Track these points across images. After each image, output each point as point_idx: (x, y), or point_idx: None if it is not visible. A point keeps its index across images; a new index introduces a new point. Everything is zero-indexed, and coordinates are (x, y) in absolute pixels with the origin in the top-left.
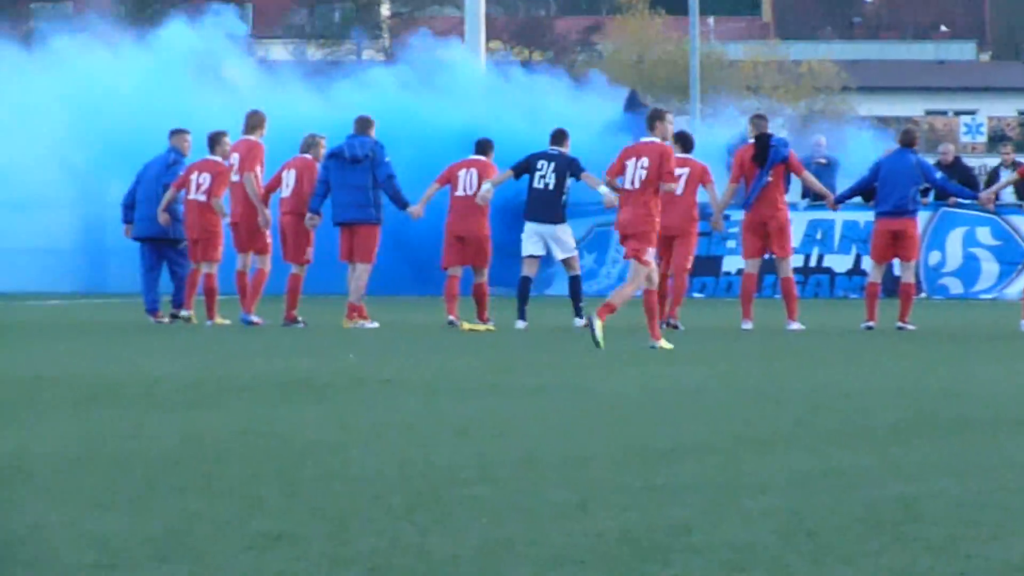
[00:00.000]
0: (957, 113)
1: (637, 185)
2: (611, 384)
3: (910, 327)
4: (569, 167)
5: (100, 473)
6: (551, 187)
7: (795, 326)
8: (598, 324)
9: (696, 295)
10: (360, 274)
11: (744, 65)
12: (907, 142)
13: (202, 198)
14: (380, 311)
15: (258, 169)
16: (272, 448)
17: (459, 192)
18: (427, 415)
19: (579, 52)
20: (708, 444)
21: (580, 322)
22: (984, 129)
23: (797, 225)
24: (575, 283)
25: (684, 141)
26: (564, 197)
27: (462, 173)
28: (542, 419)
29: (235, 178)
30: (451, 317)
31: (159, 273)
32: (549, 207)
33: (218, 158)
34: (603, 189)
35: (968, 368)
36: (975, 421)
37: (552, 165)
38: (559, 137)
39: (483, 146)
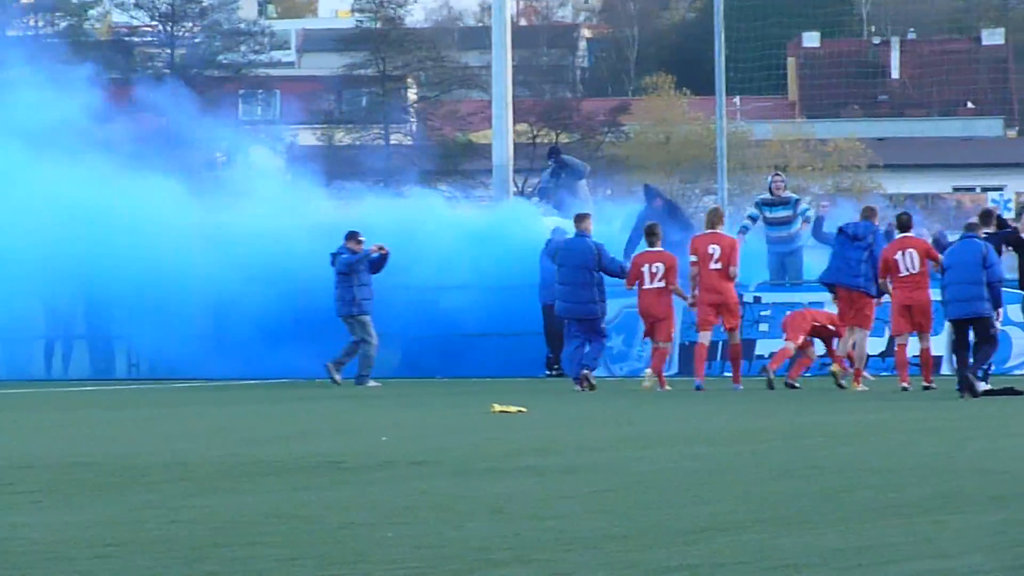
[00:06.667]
0: (984, 189)
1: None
2: (644, 463)
3: None
4: None
5: (138, 558)
6: None
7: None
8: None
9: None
10: (859, 340)
11: (771, 144)
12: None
13: (660, 285)
14: (412, 392)
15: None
16: (308, 531)
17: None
18: (461, 495)
19: (606, 133)
20: (740, 522)
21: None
22: (1012, 204)
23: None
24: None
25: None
26: None
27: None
28: (577, 498)
29: (716, 266)
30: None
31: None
32: None
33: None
34: None
35: (998, 443)
36: (1006, 497)
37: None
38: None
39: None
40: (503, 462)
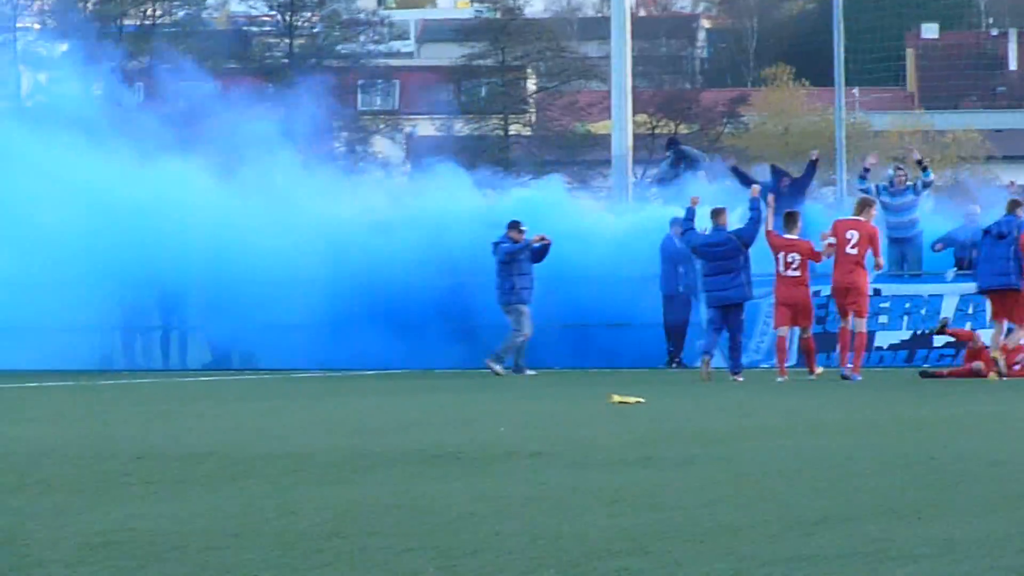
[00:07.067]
0: None
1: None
2: (759, 453)
3: None
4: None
5: (254, 549)
6: None
7: None
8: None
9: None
10: (1016, 334)
11: (889, 135)
12: None
13: (796, 274)
14: (530, 382)
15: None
16: (425, 522)
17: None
18: (578, 486)
19: (725, 124)
20: (857, 513)
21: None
22: None
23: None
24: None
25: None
26: None
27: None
28: (694, 489)
29: (852, 251)
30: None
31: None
32: None
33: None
34: None
35: None
36: None
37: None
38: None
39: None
40: (621, 453)
